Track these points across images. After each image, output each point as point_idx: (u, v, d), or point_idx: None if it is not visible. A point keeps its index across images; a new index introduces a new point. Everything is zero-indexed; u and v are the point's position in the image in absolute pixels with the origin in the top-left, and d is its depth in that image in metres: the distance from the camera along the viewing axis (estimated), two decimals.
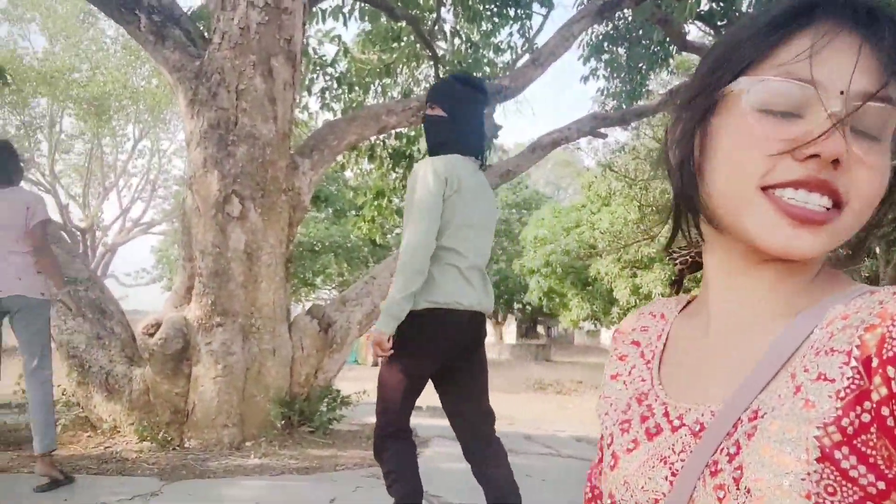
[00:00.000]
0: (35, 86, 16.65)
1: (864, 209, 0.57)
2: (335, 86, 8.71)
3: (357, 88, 9.07)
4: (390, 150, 8.93)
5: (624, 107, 8.78)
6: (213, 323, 4.76)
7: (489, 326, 32.15)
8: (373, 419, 2.74)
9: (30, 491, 3.46)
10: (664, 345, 0.73)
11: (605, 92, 9.36)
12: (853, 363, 0.50)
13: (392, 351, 2.45)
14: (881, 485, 0.48)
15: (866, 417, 0.49)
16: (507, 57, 9.34)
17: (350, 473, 4.18)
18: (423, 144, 9.45)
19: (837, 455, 0.49)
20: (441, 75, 8.96)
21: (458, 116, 2.67)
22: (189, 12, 7.00)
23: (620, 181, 13.59)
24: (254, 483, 3.86)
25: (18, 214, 3.68)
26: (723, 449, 0.55)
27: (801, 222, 0.56)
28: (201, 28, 5.94)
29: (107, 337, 4.90)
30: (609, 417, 0.72)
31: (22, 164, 4.01)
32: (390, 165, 9.02)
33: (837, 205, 0.56)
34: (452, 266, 2.55)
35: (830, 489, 0.48)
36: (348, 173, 12.39)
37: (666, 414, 0.64)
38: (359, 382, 9.86)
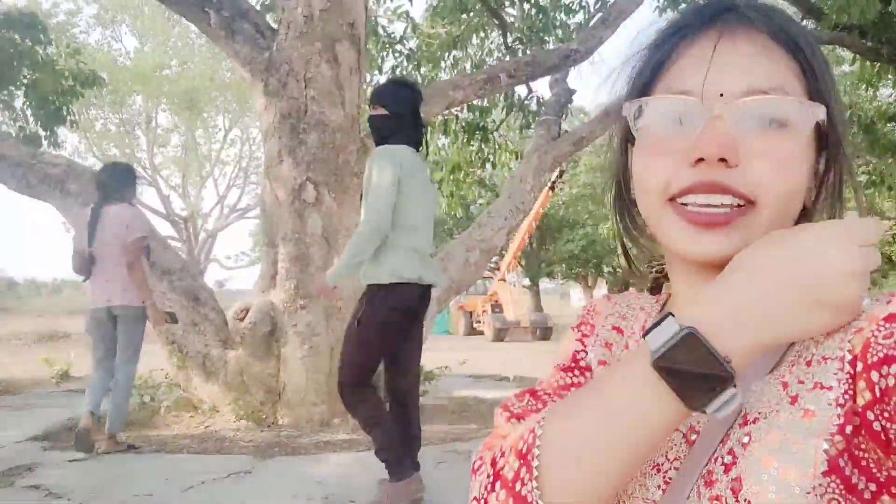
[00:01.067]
0: (130, 85, 17.64)
1: (775, 202, 0.57)
2: (405, 63, 8.75)
3: (427, 64, 9.08)
4: (464, 124, 8.92)
5: None
6: (298, 305, 4.97)
7: (580, 290, 31.74)
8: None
9: (130, 472, 3.77)
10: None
11: None
12: (847, 368, 0.50)
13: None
14: (872, 486, 0.49)
15: (856, 421, 0.49)
16: (580, 17, 9.09)
17: (433, 448, 4.30)
18: (497, 115, 9.41)
19: (841, 463, 0.49)
20: (510, 44, 8.83)
21: (398, 114, 3.17)
22: (259, 4, 7.22)
23: None
24: (341, 459, 4.04)
25: (121, 230, 4.22)
26: (717, 458, 0.54)
27: (704, 226, 0.57)
28: (269, 20, 6.10)
29: (201, 322, 5.21)
30: None
31: (137, 183, 4.51)
32: (465, 139, 9.02)
33: (751, 201, 0.57)
34: (411, 245, 3.06)
35: (834, 503, 0.48)
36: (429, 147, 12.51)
37: None
38: (452, 353, 10.06)
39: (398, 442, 3.12)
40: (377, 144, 3.20)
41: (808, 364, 0.53)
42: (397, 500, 3.04)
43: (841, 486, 0.48)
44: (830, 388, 0.51)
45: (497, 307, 19.15)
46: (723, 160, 0.55)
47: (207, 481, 3.55)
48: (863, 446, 0.49)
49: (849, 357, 0.51)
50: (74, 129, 10.28)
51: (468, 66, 9.64)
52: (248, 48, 5.47)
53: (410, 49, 8.93)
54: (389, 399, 3.31)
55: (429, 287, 3.16)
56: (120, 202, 4.33)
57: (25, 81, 8.65)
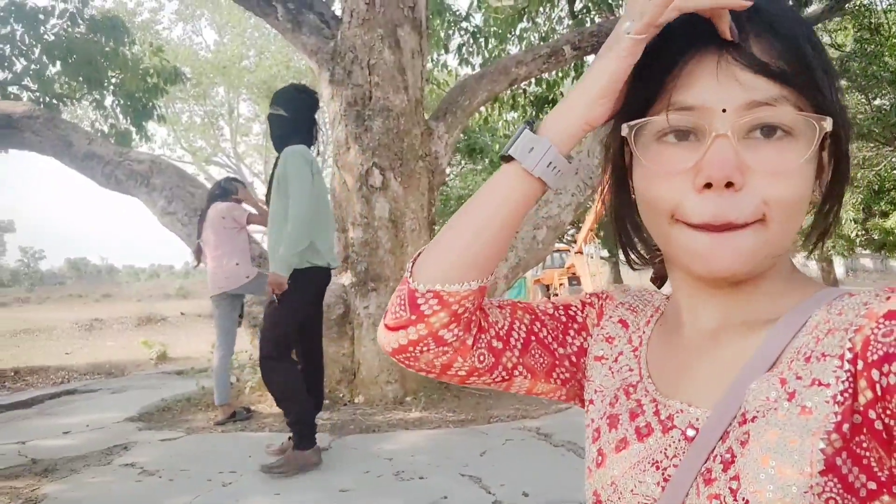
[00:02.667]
0: (211, 77, 18.32)
1: (784, 217, 0.57)
2: (471, 41, 8.71)
3: (493, 40, 9.01)
4: (531, 98, 8.83)
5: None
6: (368, 288, 5.11)
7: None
8: None
9: (215, 450, 4.01)
10: (652, 331, 0.73)
11: None
12: (847, 366, 0.50)
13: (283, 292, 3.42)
14: (872, 485, 0.49)
15: (857, 419, 0.49)
16: None
17: (501, 426, 4.36)
18: (565, 88, 9.24)
19: (839, 462, 0.49)
20: (576, 14, 8.64)
21: (294, 118, 3.62)
22: None
23: None
24: (411, 436, 4.16)
25: (218, 223, 4.72)
26: (716, 456, 0.55)
27: (719, 231, 0.57)
28: (334, 10, 6.20)
29: None
30: (595, 408, 0.71)
31: (237, 184, 5.08)
32: (534, 112, 8.92)
33: (760, 220, 0.56)
34: (325, 234, 3.59)
35: (832, 502, 0.48)
36: (499, 123, 12.43)
37: (657, 413, 0.64)
38: None
39: (311, 415, 3.59)
40: (275, 143, 3.67)
41: (807, 360, 0.53)
42: (299, 466, 3.45)
43: (839, 486, 0.48)
44: (828, 386, 0.51)
45: (574, 280, 18.93)
46: (730, 184, 0.55)
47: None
48: (864, 445, 0.49)
49: (848, 355, 0.50)
50: (162, 123, 10.77)
51: (535, 38, 9.50)
52: (314, 39, 5.60)
53: (476, 26, 8.87)
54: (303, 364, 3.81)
55: (330, 271, 3.71)
56: (224, 199, 4.85)
57: (113, 81, 9.13)
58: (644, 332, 0.73)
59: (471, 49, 8.78)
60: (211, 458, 3.79)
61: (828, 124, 0.56)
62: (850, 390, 0.50)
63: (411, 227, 5.23)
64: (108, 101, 9.35)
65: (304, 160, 3.47)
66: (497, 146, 13.25)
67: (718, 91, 0.56)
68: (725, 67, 0.56)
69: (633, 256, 0.74)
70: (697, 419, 0.59)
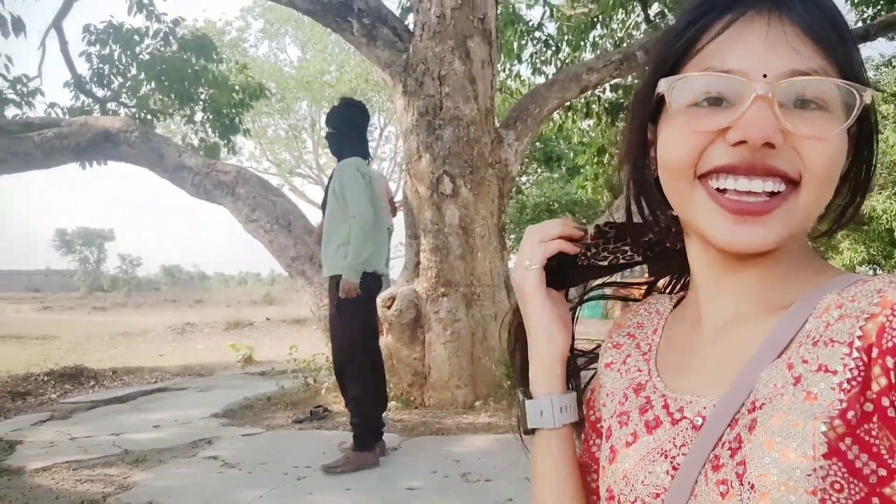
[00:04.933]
0: (295, 92, 19.02)
1: (819, 182, 0.56)
2: (543, 49, 8.73)
3: (567, 48, 8.99)
4: (606, 105, 8.74)
5: (881, 14, 7.56)
6: (439, 293, 5.21)
7: None
8: None
9: (292, 446, 4.18)
10: (660, 338, 0.73)
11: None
12: (855, 354, 0.50)
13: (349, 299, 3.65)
14: (882, 472, 0.48)
15: (869, 407, 0.49)
16: None
17: None
18: None
19: (843, 447, 0.48)
20: (652, 17, 8.51)
21: (346, 131, 3.88)
22: (399, 7, 7.54)
23: (890, 103, 11.46)
24: (479, 440, 4.22)
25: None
26: (724, 443, 0.55)
27: (742, 215, 0.56)
28: (407, 23, 6.37)
29: None
30: (607, 409, 0.72)
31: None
32: (608, 120, 8.83)
33: (796, 183, 0.56)
34: (382, 241, 3.88)
35: (837, 486, 0.48)
36: (574, 131, 12.35)
37: (665, 406, 0.64)
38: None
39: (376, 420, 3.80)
40: (337, 157, 3.93)
41: (815, 344, 0.53)
42: (356, 466, 3.62)
43: (843, 469, 0.48)
44: (835, 373, 0.50)
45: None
46: (767, 144, 0.54)
47: None
48: (873, 432, 0.48)
49: (858, 343, 0.50)
50: (248, 137, 11.20)
51: (610, 45, 9.42)
52: (388, 52, 5.78)
53: (549, 35, 8.88)
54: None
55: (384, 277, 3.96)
56: None
57: (203, 97, 9.64)
58: (652, 340, 0.73)
59: (543, 58, 8.80)
60: (287, 453, 3.97)
61: (867, 96, 0.56)
62: (859, 378, 0.49)
63: (481, 234, 5.31)
64: (199, 116, 9.85)
65: (357, 171, 3.69)
66: (572, 154, 13.14)
67: (761, 55, 0.56)
68: (766, 33, 0.56)
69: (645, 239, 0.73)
70: (705, 408, 0.59)
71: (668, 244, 0.74)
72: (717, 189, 0.57)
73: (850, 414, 0.48)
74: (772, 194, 0.56)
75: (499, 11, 8.01)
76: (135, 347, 14.66)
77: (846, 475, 0.48)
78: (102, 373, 9.77)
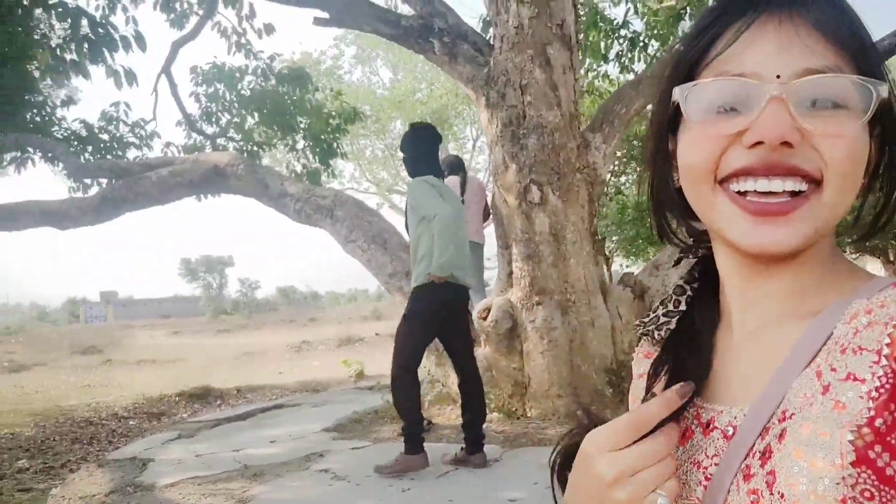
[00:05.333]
0: (389, 112, 19.56)
1: (841, 179, 0.56)
2: (630, 47, 8.56)
3: (655, 42, 8.76)
4: None
5: None
6: (533, 302, 5.22)
7: (880, 265, 27.62)
8: None
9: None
10: None
11: None
12: (884, 362, 0.50)
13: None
14: None
15: None
16: None
17: None
18: None
19: (872, 455, 0.48)
20: None
21: (415, 153, 4.17)
22: (480, 22, 7.64)
23: None
24: None
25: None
26: (755, 453, 0.55)
27: (763, 216, 0.56)
28: (487, 37, 6.45)
29: None
30: None
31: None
32: None
33: (818, 182, 0.56)
34: (461, 247, 3.98)
35: (867, 494, 0.48)
36: None
37: (697, 416, 0.64)
38: None
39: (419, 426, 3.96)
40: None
41: (843, 351, 0.53)
42: (404, 469, 3.83)
43: (873, 478, 0.48)
44: (863, 381, 0.50)
45: None
46: (784, 143, 0.55)
47: (460, 468, 3.94)
48: None
49: (886, 350, 0.50)
50: (346, 159, 11.60)
51: None
52: (469, 67, 5.88)
53: (635, 31, 8.70)
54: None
55: (460, 286, 4.01)
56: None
57: (302, 126, 10.12)
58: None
59: (630, 56, 8.62)
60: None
61: (884, 90, 0.56)
62: (887, 385, 0.49)
63: (573, 240, 5.27)
64: (300, 144, 10.35)
65: (426, 183, 3.95)
66: None
67: (774, 56, 0.56)
68: (777, 34, 0.57)
69: (668, 239, 0.73)
70: (735, 417, 0.60)
71: (691, 255, 0.75)
72: (738, 192, 0.57)
73: (879, 422, 0.48)
74: (793, 194, 0.56)
75: (582, 14, 7.95)
76: (256, 366, 15.49)
77: (876, 483, 0.48)
78: (227, 392, 10.41)
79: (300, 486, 3.84)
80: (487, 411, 5.25)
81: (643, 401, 0.71)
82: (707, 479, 0.60)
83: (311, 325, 29.56)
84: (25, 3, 5.72)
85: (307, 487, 3.80)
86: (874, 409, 0.49)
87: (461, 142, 22.12)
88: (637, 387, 0.77)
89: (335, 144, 10.25)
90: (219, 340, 25.68)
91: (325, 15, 6.41)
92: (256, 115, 9.54)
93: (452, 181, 6.39)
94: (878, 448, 0.48)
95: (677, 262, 0.82)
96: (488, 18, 7.66)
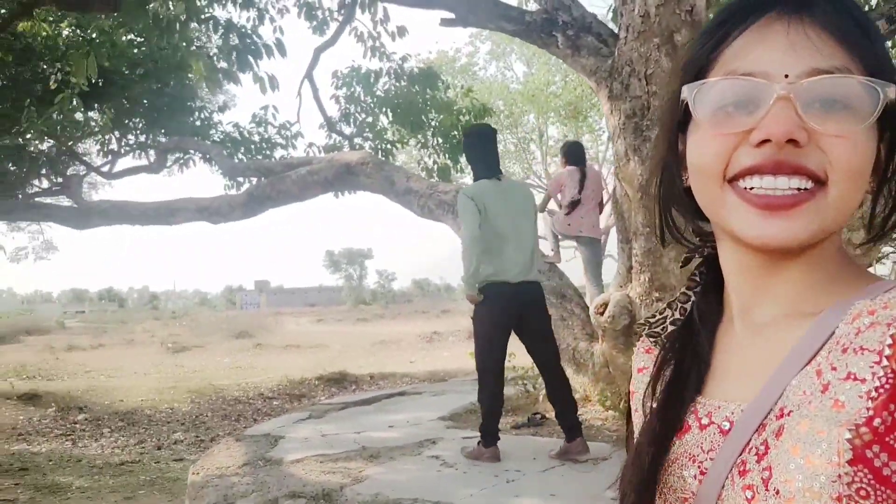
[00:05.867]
0: (521, 106, 19.52)
1: (846, 180, 0.57)
2: None
3: None
4: None
5: None
6: (653, 298, 5.06)
7: None
8: None
9: (518, 449, 4.35)
10: None
11: None
12: (885, 362, 0.50)
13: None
14: None
15: None
16: None
17: None
18: None
19: (869, 454, 0.48)
20: None
21: (471, 156, 4.44)
22: (609, 11, 7.47)
23: None
24: None
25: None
26: (751, 448, 0.56)
27: (769, 210, 0.57)
28: (614, 28, 6.31)
29: (569, 318, 5.68)
30: (638, 415, 0.75)
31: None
32: None
33: (822, 181, 0.57)
34: (493, 255, 4.08)
35: (863, 492, 0.48)
36: None
37: (695, 412, 0.65)
38: None
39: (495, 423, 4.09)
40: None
41: (844, 351, 0.53)
42: (474, 457, 4.04)
43: (869, 476, 0.48)
44: (864, 381, 0.50)
45: None
46: (791, 141, 0.55)
47: (568, 464, 3.93)
48: None
49: (888, 351, 0.50)
50: None
51: None
52: (593, 59, 5.78)
53: None
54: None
55: (522, 284, 4.03)
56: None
57: (433, 123, 10.39)
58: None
59: None
60: (502, 456, 4.15)
61: (892, 91, 0.56)
62: (887, 386, 0.49)
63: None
64: (431, 141, 10.63)
65: (466, 198, 4.09)
66: None
67: (782, 56, 0.57)
68: (785, 34, 0.57)
69: (672, 238, 0.74)
70: (733, 413, 0.60)
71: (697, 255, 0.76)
72: (746, 188, 0.58)
73: (877, 422, 0.49)
74: (798, 191, 0.57)
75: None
76: (390, 355, 16.13)
77: (872, 482, 0.48)
78: (362, 378, 10.96)
79: (411, 469, 4.00)
80: (603, 409, 5.19)
81: (643, 397, 0.74)
82: (702, 473, 0.60)
83: (443, 316, 30.27)
84: (182, 18, 6.32)
85: (417, 471, 3.95)
86: (873, 409, 0.49)
87: (596, 133, 21.64)
88: (638, 381, 0.79)
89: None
90: (357, 328, 26.95)
91: (451, 15, 6.55)
92: (389, 114, 9.92)
93: (571, 172, 6.34)
94: (875, 448, 0.48)
95: (685, 263, 0.83)
96: (615, 8, 7.50)
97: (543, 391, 5.70)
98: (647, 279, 5.11)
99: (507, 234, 4.07)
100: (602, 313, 5.26)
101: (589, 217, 6.37)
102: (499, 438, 4.08)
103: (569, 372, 5.61)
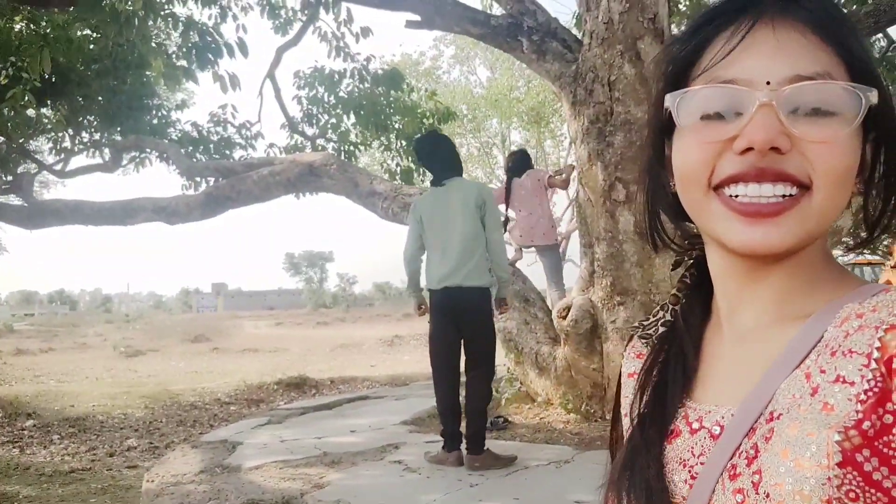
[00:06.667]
0: (485, 111, 19.61)
1: (830, 185, 0.56)
2: None
3: None
4: None
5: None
6: (615, 302, 5.11)
7: None
8: None
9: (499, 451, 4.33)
10: None
11: None
12: (873, 365, 0.50)
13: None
14: None
15: (888, 419, 0.49)
16: None
17: None
18: None
19: (859, 458, 0.48)
20: None
21: (426, 166, 4.60)
22: (573, 18, 7.55)
23: None
24: None
25: (538, 185, 6.34)
26: (741, 452, 0.55)
27: (754, 217, 0.57)
28: (578, 34, 6.37)
29: (532, 321, 5.70)
30: (627, 419, 0.74)
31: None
32: None
33: (807, 187, 0.57)
34: (430, 261, 4.27)
35: (852, 494, 0.48)
36: None
37: (685, 416, 0.65)
38: None
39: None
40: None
41: (833, 354, 0.53)
42: (437, 462, 4.04)
43: (859, 479, 0.48)
44: (852, 384, 0.50)
45: None
46: (774, 149, 0.55)
47: (531, 467, 3.93)
48: (893, 444, 0.48)
49: (877, 354, 0.50)
50: None
51: None
52: (557, 65, 5.82)
53: None
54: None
55: (447, 290, 4.06)
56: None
57: (396, 126, 10.34)
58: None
59: None
60: (466, 459, 4.13)
61: (874, 96, 0.56)
62: (876, 389, 0.49)
63: None
64: (395, 144, 10.58)
65: (413, 210, 4.34)
66: None
67: (764, 63, 0.57)
68: (766, 41, 0.57)
69: (661, 243, 0.74)
70: (723, 417, 0.60)
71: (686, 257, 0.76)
72: (731, 196, 0.58)
73: (866, 424, 0.49)
74: (783, 198, 0.56)
75: (684, 5, 7.70)
76: (350, 359, 16.00)
77: (861, 485, 0.48)
78: (322, 382, 10.81)
79: (373, 475, 3.95)
80: (565, 412, 5.21)
81: (631, 402, 0.73)
82: (693, 477, 0.60)
83: (404, 319, 30.15)
84: (141, 14, 6.16)
85: (379, 477, 3.90)
86: (862, 412, 0.49)
87: (558, 139, 21.87)
88: (627, 386, 0.78)
89: None
90: (318, 332, 26.69)
91: (417, 17, 6.52)
92: (352, 115, 9.84)
93: (500, 190, 6.52)
94: (865, 452, 0.48)
95: (675, 266, 0.82)
96: (580, 15, 7.57)
97: (506, 395, 5.72)
98: (609, 283, 5.15)
99: (435, 242, 4.15)
100: (564, 317, 5.28)
101: (538, 225, 6.30)
102: (461, 441, 4.04)
103: (532, 375, 5.63)
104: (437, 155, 4.33)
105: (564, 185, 6.72)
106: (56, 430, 7.91)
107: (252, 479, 3.89)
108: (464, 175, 4.47)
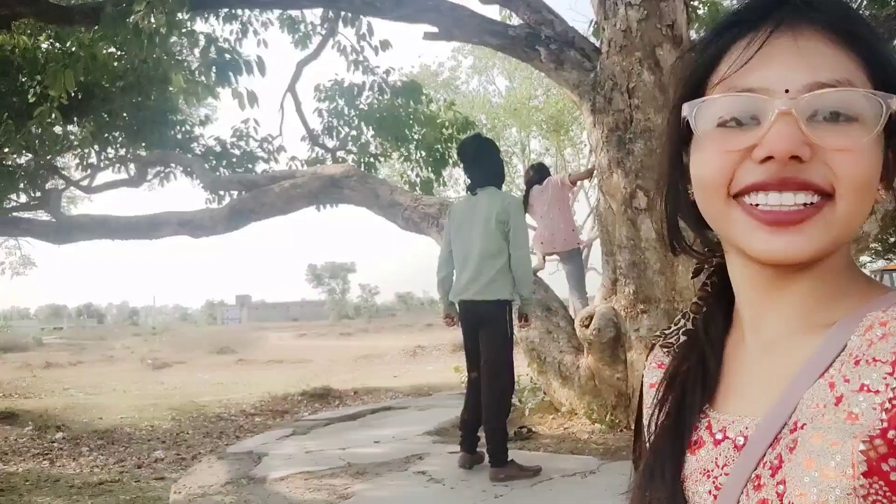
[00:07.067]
0: (504, 119, 19.63)
1: (853, 192, 0.56)
2: None
3: None
4: None
5: None
6: (638, 310, 5.08)
7: None
8: None
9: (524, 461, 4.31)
10: None
11: None
12: None
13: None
14: None
15: None
16: None
17: None
18: None
19: (885, 467, 0.47)
20: None
21: (467, 172, 4.49)
22: (591, 26, 7.54)
23: None
24: None
25: (560, 191, 6.48)
26: (766, 462, 0.55)
27: (777, 226, 0.56)
28: (598, 42, 6.36)
29: (555, 331, 5.67)
30: (649, 431, 0.73)
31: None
32: None
33: (829, 195, 0.56)
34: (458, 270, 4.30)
35: None
36: None
37: (709, 427, 0.64)
38: None
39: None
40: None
41: (857, 363, 0.52)
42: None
43: (885, 489, 0.47)
44: (877, 393, 0.50)
45: None
46: (794, 157, 0.55)
47: (555, 478, 3.91)
48: None
49: None
50: (458, 168, 11.77)
51: None
52: (576, 73, 5.82)
53: None
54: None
55: (464, 302, 4.14)
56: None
57: (416, 137, 10.38)
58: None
59: None
60: (489, 471, 4.12)
61: (894, 102, 0.55)
62: None
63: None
64: (414, 154, 10.62)
65: (448, 221, 4.40)
66: None
67: (783, 70, 0.56)
68: (785, 48, 0.57)
69: (681, 250, 0.73)
70: (747, 427, 0.60)
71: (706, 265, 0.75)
72: (752, 205, 0.58)
73: (892, 433, 0.48)
74: (805, 206, 0.56)
75: (701, 10, 7.67)
76: (373, 369, 16.02)
77: (888, 494, 0.47)
78: (346, 393, 10.85)
79: (397, 485, 3.96)
80: (590, 422, 5.17)
81: (651, 413, 0.73)
82: (717, 488, 0.60)
83: (427, 330, 30.14)
84: (163, 31, 6.27)
85: (403, 487, 3.90)
86: (887, 421, 0.48)
87: (578, 147, 21.83)
88: (649, 396, 0.77)
89: (447, 154, 10.44)
90: (341, 343, 26.76)
91: (435, 29, 6.56)
92: (372, 127, 9.91)
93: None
94: (891, 461, 0.47)
95: (696, 274, 0.82)
96: (598, 23, 7.57)
97: (529, 405, 5.69)
98: (631, 291, 5.12)
99: (458, 253, 4.19)
100: (587, 326, 5.26)
101: (559, 231, 6.35)
102: (474, 446, 4.16)
103: (556, 385, 5.61)
104: (476, 161, 4.31)
105: (588, 174, 6.85)
106: (85, 443, 8.01)
107: (277, 490, 3.91)
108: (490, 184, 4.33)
